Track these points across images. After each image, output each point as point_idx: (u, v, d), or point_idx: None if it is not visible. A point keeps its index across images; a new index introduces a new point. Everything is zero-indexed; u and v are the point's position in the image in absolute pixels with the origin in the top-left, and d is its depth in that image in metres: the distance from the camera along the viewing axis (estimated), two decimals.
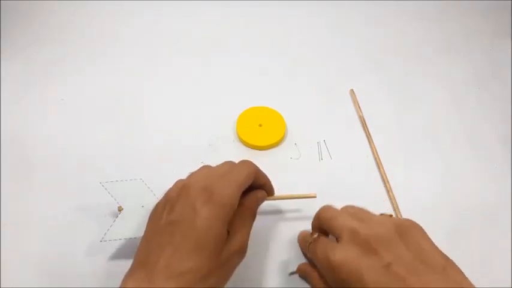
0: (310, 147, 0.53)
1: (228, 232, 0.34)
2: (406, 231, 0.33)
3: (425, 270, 0.31)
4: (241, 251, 0.35)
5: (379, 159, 0.51)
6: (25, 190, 0.47)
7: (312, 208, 0.40)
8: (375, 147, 0.53)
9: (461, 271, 0.32)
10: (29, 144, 0.52)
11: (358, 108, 0.57)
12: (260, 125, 0.54)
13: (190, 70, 0.62)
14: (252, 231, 0.37)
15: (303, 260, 0.42)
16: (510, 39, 0.69)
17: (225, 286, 0.34)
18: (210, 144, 0.53)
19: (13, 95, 0.57)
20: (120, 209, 0.40)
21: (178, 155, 0.51)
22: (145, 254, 0.33)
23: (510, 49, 0.67)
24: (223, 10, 0.72)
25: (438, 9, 0.74)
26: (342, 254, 0.33)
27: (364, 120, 0.56)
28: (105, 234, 0.39)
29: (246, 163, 0.38)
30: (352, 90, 0.59)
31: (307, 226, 0.41)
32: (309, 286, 0.40)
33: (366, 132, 0.55)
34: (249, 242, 0.36)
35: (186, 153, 0.51)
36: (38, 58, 0.62)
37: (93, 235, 0.43)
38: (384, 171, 0.50)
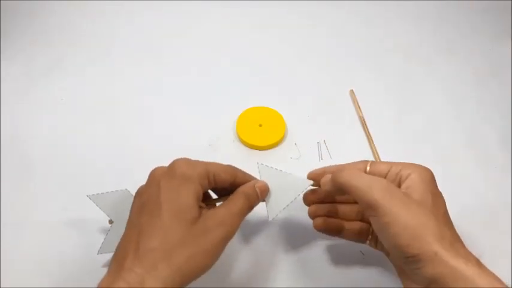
0: (310, 147, 0.53)
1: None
2: None
3: None
4: (224, 225, 0.33)
5: (379, 159, 0.51)
6: (25, 190, 0.47)
7: None
8: (375, 147, 0.53)
9: None
10: (29, 144, 0.52)
11: (358, 108, 0.57)
12: (260, 125, 0.54)
13: (190, 70, 0.62)
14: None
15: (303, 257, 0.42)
16: (510, 39, 0.69)
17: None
18: (210, 144, 0.53)
19: (13, 95, 0.57)
20: (110, 223, 0.40)
21: (178, 155, 0.50)
22: (117, 250, 0.33)
23: (510, 49, 0.67)
24: (223, 10, 0.72)
25: (438, 10, 0.74)
26: None
27: (364, 120, 0.56)
28: (100, 247, 0.40)
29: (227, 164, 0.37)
30: (352, 91, 0.59)
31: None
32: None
33: (365, 132, 0.55)
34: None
35: (186, 153, 0.50)
36: (38, 58, 0.62)
37: (93, 235, 0.43)
38: None
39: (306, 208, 0.41)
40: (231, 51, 0.66)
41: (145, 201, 0.33)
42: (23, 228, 0.44)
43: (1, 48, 0.63)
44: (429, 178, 0.35)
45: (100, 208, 0.40)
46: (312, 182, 0.39)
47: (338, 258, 0.43)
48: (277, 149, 0.53)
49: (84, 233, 0.43)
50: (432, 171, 0.36)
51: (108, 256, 0.41)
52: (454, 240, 0.32)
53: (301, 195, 0.39)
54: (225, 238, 0.33)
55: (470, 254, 0.32)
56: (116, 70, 0.62)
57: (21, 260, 0.42)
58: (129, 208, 0.35)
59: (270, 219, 0.38)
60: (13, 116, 0.55)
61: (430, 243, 0.30)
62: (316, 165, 0.51)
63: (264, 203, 0.38)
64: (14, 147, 0.51)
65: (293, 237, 0.44)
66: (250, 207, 0.36)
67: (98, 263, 0.41)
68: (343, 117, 0.57)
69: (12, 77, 0.60)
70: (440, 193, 0.35)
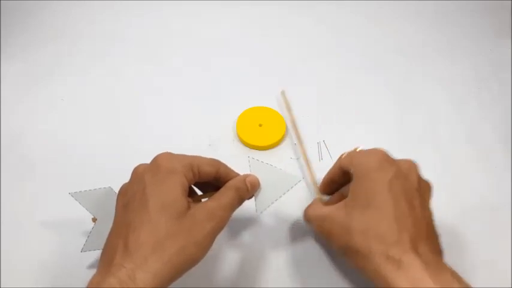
0: (310, 147, 0.53)
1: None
2: None
3: None
4: (214, 217, 0.33)
5: None
6: (25, 190, 0.47)
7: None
8: None
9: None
10: (29, 144, 0.52)
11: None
12: (260, 125, 0.54)
13: (190, 70, 0.62)
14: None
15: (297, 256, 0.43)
16: (510, 39, 0.69)
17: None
18: (210, 144, 0.53)
19: (13, 95, 0.57)
20: (94, 220, 0.40)
21: None
22: (105, 248, 0.32)
23: (510, 49, 0.67)
24: (223, 10, 0.72)
25: (438, 9, 0.74)
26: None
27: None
28: (84, 245, 0.39)
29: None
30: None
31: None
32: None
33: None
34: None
35: (186, 153, 0.51)
36: (38, 58, 0.62)
37: None
38: None
39: (300, 214, 0.41)
40: (231, 51, 0.66)
41: (131, 198, 0.33)
42: (23, 228, 0.44)
43: (1, 48, 0.63)
44: (371, 168, 0.35)
45: (82, 206, 0.39)
46: (301, 178, 0.39)
47: (338, 259, 0.43)
48: (277, 149, 0.53)
49: (84, 233, 0.43)
50: (382, 149, 0.37)
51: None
52: (392, 234, 0.32)
53: (290, 191, 0.39)
54: (215, 230, 0.33)
55: (405, 244, 0.31)
56: (116, 70, 0.62)
57: (21, 260, 0.42)
58: (113, 206, 0.35)
59: (258, 213, 0.38)
60: (13, 116, 0.55)
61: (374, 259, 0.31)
62: (316, 165, 0.51)
63: (252, 200, 0.39)
64: (14, 147, 0.51)
65: (290, 239, 0.44)
66: (240, 201, 0.36)
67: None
68: (343, 117, 0.57)
69: (12, 77, 0.60)
70: (391, 169, 0.35)
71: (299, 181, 0.39)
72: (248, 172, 0.39)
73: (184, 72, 0.62)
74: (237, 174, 0.38)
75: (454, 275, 0.31)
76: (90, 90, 0.59)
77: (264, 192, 0.39)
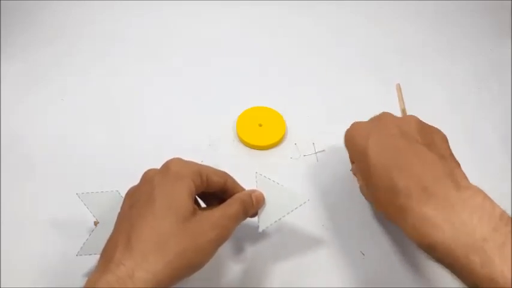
0: (310, 147, 0.53)
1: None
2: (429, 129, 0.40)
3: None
4: (218, 227, 0.33)
5: None
6: (25, 190, 0.47)
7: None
8: None
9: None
10: (29, 144, 0.52)
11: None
12: (260, 125, 0.54)
13: (190, 70, 0.62)
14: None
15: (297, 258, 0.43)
16: (510, 39, 0.69)
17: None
18: (210, 144, 0.53)
19: (13, 95, 0.57)
20: (96, 224, 0.40)
21: (178, 155, 0.51)
22: (107, 245, 0.32)
23: (510, 49, 0.67)
24: (223, 10, 0.72)
25: (438, 9, 0.74)
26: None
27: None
28: (80, 248, 0.39)
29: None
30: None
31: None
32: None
33: None
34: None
35: (186, 153, 0.51)
36: (38, 58, 0.62)
37: None
38: None
39: (300, 214, 0.40)
40: (231, 51, 0.66)
41: (138, 198, 0.33)
42: (23, 228, 0.44)
43: (1, 48, 0.63)
44: (384, 142, 0.38)
45: (87, 208, 0.39)
46: (308, 198, 0.38)
47: (338, 259, 0.43)
48: (277, 149, 0.53)
49: (85, 233, 0.43)
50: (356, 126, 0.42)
51: None
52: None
53: (295, 211, 0.38)
54: (218, 239, 0.33)
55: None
56: (116, 70, 0.62)
57: (21, 260, 0.42)
58: (117, 211, 0.35)
59: (260, 230, 0.38)
60: (13, 116, 0.55)
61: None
62: (315, 165, 0.51)
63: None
64: (14, 147, 0.51)
65: (289, 240, 0.44)
66: (245, 214, 0.36)
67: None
68: (343, 117, 0.57)
69: (12, 77, 0.60)
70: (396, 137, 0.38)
71: (305, 202, 0.38)
72: (248, 180, 0.39)
73: (184, 72, 0.62)
74: (243, 189, 0.38)
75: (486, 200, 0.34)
76: (90, 90, 0.59)
77: (268, 210, 0.38)
